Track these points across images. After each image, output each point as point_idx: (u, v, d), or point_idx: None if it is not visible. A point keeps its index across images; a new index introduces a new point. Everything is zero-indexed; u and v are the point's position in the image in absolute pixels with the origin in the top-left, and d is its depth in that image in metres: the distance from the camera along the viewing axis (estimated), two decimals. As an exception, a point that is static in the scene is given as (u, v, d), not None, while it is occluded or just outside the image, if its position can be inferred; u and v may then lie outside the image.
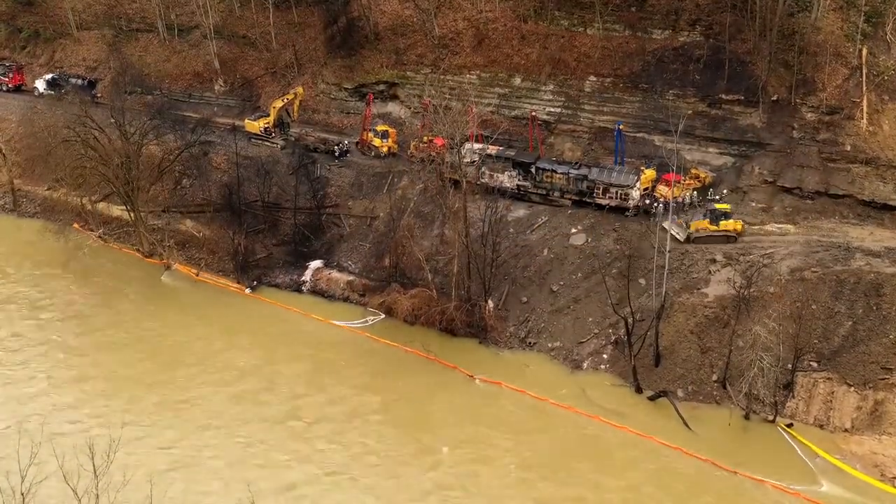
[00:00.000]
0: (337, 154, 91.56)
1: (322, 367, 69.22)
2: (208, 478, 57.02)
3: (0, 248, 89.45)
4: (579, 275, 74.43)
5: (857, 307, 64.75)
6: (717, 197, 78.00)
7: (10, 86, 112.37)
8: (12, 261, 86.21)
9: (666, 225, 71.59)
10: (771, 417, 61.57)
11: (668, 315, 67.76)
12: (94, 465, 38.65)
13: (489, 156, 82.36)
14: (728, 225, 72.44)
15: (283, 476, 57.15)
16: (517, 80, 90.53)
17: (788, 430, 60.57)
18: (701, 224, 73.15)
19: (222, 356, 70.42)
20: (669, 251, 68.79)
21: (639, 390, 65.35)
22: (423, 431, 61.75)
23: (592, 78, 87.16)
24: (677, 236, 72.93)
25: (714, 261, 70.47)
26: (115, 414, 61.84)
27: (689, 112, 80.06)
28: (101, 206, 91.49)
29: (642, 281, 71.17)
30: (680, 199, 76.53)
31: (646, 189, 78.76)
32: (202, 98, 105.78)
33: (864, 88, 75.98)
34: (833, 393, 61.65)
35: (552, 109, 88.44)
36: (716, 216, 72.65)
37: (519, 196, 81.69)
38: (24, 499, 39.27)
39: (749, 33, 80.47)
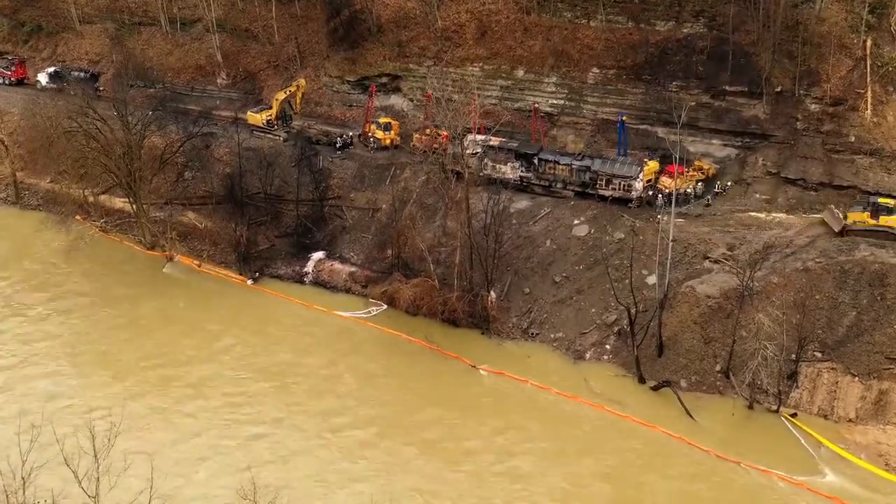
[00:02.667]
0: (339, 146, 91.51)
1: (324, 355, 69.17)
2: (210, 461, 57.06)
3: (2, 239, 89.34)
4: (582, 266, 74.21)
5: (862, 297, 64.36)
6: (719, 189, 77.73)
7: (12, 79, 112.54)
8: (14, 252, 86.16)
9: (825, 216, 69.29)
10: (774, 407, 61.24)
11: (671, 305, 67.40)
12: (94, 448, 38.48)
13: (492, 147, 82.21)
14: (891, 221, 67.21)
15: (284, 457, 57.31)
16: (520, 73, 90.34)
17: (792, 419, 60.27)
18: (860, 216, 68.34)
19: (224, 344, 70.37)
20: (673, 241, 68.53)
21: (641, 380, 65.06)
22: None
23: (595, 70, 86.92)
24: (831, 225, 69.58)
25: (718, 251, 70.19)
26: (115, 398, 61.74)
27: (693, 104, 79.72)
28: (103, 198, 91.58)
29: (645, 272, 70.94)
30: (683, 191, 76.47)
31: (649, 181, 78.57)
32: (205, 91, 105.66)
33: (869, 79, 75.69)
34: (837, 383, 61.27)
35: (555, 101, 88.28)
36: (877, 210, 67.68)
37: (521, 187, 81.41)
38: (24, 483, 39.12)
39: (753, 24, 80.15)
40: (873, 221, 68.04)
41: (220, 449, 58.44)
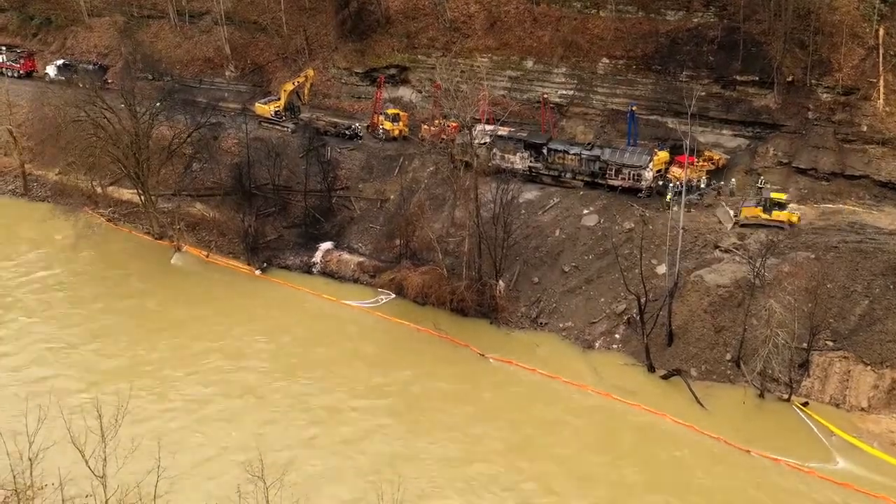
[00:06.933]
0: (348, 137, 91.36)
1: (330, 343, 68.99)
2: (216, 441, 57.20)
3: (11, 230, 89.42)
4: (591, 256, 73.83)
5: (874, 286, 63.81)
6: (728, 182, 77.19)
7: (21, 72, 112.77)
8: (23, 242, 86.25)
9: (718, 212, 70.53)
10: (786, 396, 60.70)
11: (681, 294, 67.00)
12: (101, 428, 38.24)
13: (501, 137, 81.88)
14: (781, 215, 69.23)
15: (293, 440, 57.32)
16: (529, 63, 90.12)
17: (804, 408, 59.72)
18: (752, 212, 70.18)
19: (231, 333, 70.21)
20: (683, 230, 68.08)
21: (651, 369, 64.62)
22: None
23: (605, 60, 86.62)
24: (723, 221, 70.87)
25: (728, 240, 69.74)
26: (122, 381, 61.45)
27: (703, 93, 79.36)
28: (111, 189, 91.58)
29: (654, 261, 70.53)
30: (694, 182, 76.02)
31: (658, 171, 78.11)
32: (213, 83, 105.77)
33: (881, 69, 75.16)
34: (849, 372, 60.72)
35: (564, 92, 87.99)
36: (769, 205, 69.52)
37: (531, 178, 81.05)
38: (31, 463, 38.93)
39: (764, 13, 79.70)
40: (766, 216, 69.72)
41: (228, 431, 58.32)
